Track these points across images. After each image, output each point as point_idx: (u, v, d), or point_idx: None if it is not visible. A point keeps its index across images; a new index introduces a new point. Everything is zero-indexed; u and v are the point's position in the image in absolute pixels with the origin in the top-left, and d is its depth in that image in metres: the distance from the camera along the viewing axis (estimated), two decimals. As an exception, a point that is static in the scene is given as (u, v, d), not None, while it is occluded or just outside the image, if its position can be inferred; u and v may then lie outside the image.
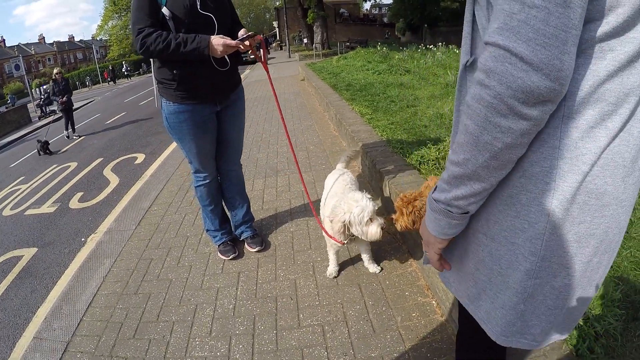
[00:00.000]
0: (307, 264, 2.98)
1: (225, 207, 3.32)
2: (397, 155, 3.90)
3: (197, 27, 2.43)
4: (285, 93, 10.91)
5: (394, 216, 2.12)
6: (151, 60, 2.59)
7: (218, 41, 2.37)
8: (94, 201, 5.87)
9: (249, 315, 2.52)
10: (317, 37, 26.38)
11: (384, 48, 14.73)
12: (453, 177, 0.87)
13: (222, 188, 3.21)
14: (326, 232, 2.60)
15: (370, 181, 4.05)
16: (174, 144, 7.67)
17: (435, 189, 0.96)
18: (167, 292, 2.91)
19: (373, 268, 2.74)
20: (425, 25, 35.03)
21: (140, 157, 7.62)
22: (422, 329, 2.24)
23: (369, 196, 2.38)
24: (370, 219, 2.32)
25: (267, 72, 2.82)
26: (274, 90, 2.89)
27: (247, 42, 2.48)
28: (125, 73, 43.65)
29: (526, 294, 0.92)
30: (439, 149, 3.86)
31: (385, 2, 48.30)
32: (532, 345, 1.00)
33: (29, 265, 4.50)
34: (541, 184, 0.82)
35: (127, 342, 2.53)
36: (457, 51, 14.83)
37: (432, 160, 3.73)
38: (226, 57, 2.56)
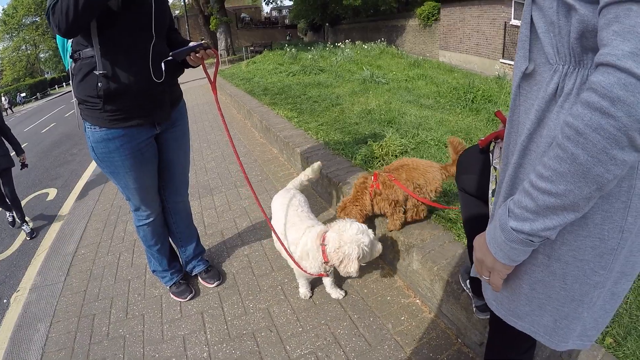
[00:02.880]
0: (274, 288, 2.73)
1: (172, 243, 2.91)
2: (340, 157, 3.80)
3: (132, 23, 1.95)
4: (198, 104, 10.42)
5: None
6: (70, 75, 2.08)
7: None
8: (8, 252, 5.04)
9: (229, 360, 2.23)
10: (222, 44, 25.95)
11: (292, 49, 14.64)
12: (545, 207, 0.80)
13: (168, 222, 2.78)
14: (303, 270, 2.30)
15: (315, 188, 3.89)
16: (88, 172, 7.01)
17: (509, 216, 0.87)
18: (125, 352, 2.45)
19: (336, 293, 2.51)
20: (327, 24, 35.61)
21: (52, 193, 6.81)
22: (416, 330, 2.21)
23: (351, 220, 2.20)
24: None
25: (215, 95, 2.20)
26: (221, 114, 2.32)
27: (198, 54, 2.09)
28: (20, 102, 39.93)
29: (591, 302, 0.94)
30: (380, 145, 3.80)
31: (286, 4, 48.49)
32: (586, 345, 1.03)
33: None
34: (618, 202, 0.81)
35: None
36: (365, 46, 15.17)
37: (377, 158, 3.66)
38: (162, 65, 2.08)
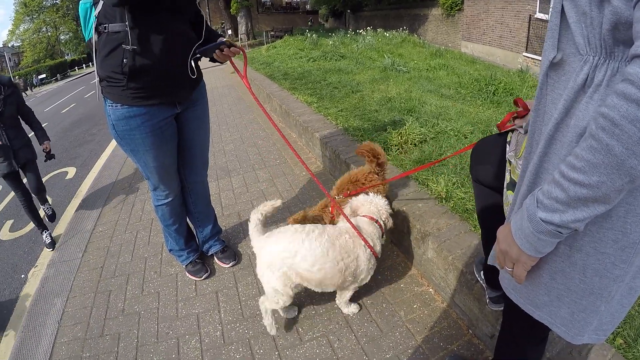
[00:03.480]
0: (289, 270, 2.74)
1: (189, 222, 2.93)
2: (359, 143, 3.77)
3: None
4: (217, 87, 10.46)
5: None
6: (94, 54, 2.10)
7: None
8: (27, 228, 5.21)
9: (242, 340, 2.25)
10: (242, 28, 25.83)
11: (313, 35, 14.55)
12: (576, 198, 0.79)
13: (187, 202, 2.79)
14: (376, 254, 2.14)
15: (332, 172, 3.88)
16: (107, 152, 7.10)
17: (537, 207, 0.86)
18: (139, 328, 2.50)
19: (349, 309, 2.29)
20: (349, 11, 35.28)
21: (71, 172, 6.93)
22: (428, 319, 2.21)
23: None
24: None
25: (249, 88, 2.28)
26: (259, 104, 2.34)
27: (225, 52, 2.11)
28: (37, 84, 40.32)
29: (610, 296, 0.94)
30: (400, 133, 3.77)
31: (308, -11, 48.13)
32: (601, 339, 1.03)
33: None
34: None
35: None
36: (387, 34, 15.01)
37: (395, 146, 3.64)
38: (192, 62, 2.13)
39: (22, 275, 4.13)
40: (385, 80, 6.98)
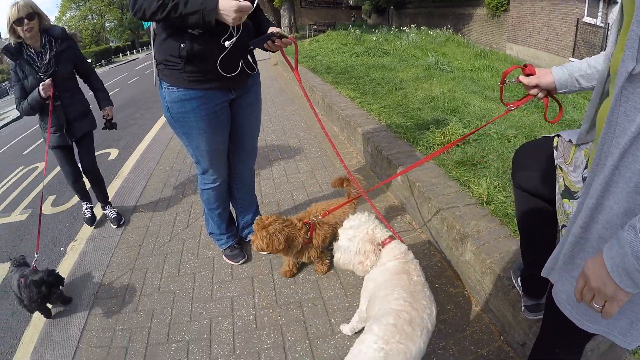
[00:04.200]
0: (325, 261, 2.78)
1: (231, 208, 3.00)
2: (401, 140, 3.78)
3: None
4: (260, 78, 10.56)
5: (251, 237, 2.38)
6: (151, 37, 2.18)
7: (229, 4, 1.81)
8: (69, 204, 5.34)
9: (275, 326, 2.30)
10: (285, 21, 25.92)
11: (356, 30, 14.50)
12: None
13: (232, 188, 2.85)
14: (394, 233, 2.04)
15: (373, 168, 3.89)
16: (149, 137, 7.27)
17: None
18: (173, 306, 2.59)
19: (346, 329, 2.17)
20: (392, 7, 34.90)
21: (114, 153, 7.12)
22: (460, 321, 2.20)
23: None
24: None
25: (299, 80, 2.31)
26: (306, 96, 2.43)
27: (276, 43, 2.10)
28: None
29: None
30: (443, 132, 3.74)
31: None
32: None
33: (4, 284, 4.13)
34: None
35: (137, 371, 2.26)
36: (431, 32, 14.81)
37: (438, 145, 3.61)
38: (232, 29, 2.05)
39: (62, 248, 4.29)
40: (428, 79, 6.90)
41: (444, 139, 3.65)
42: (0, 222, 5.66)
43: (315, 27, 25.48)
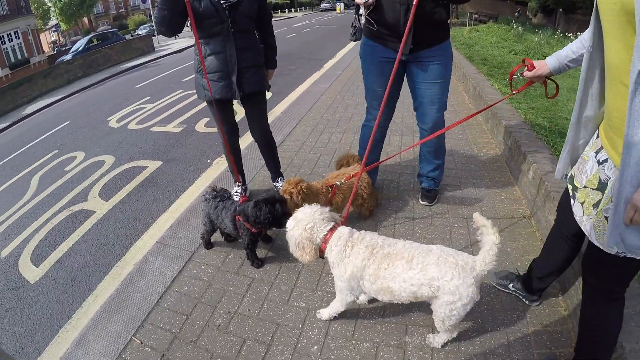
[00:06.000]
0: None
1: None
2: (541, 142, 3.84)
3: None
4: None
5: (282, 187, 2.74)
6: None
7: None
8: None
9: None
10: (445, 3, 25.32)
11: (519, 27, 13.93)
12: None
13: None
14: None
15: (508, 162, 4.06)
16: (301, 89, 7.88)
17: None
18: None
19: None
20: (561, 10, 32.25)
21: (267, 95, 7.90)
22: (546, 317, 2.29)
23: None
24: None
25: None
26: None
27: None
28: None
29: None
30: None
31: (523, -22, 44.76)
32: None
33: (153, 176, 4.97)
34: None
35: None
36: (601, 45, 13.70)
37: (577, 158, 3.65)
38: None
39: (208, 160, 5.05)
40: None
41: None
42: (159, 130, 6.68)
43: (476, 15, 24.63)
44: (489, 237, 1.75)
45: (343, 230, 2.02)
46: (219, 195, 2.86)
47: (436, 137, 2.93)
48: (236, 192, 3.52)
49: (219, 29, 2.79)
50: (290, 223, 2.07)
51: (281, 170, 3.79)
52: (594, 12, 1.40)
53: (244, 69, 2.95)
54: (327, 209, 2.13)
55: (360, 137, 3.34)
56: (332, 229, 2.03)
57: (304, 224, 2.01)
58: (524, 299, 2.35)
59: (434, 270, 1.77)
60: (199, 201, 3.66)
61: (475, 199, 3.44)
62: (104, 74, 18.56)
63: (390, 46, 2.69)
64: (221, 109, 3.11)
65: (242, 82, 2.98)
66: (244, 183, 3.58)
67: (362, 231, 2.05)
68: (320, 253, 2.04)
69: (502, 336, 2.18)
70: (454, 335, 2.10)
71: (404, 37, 2.42)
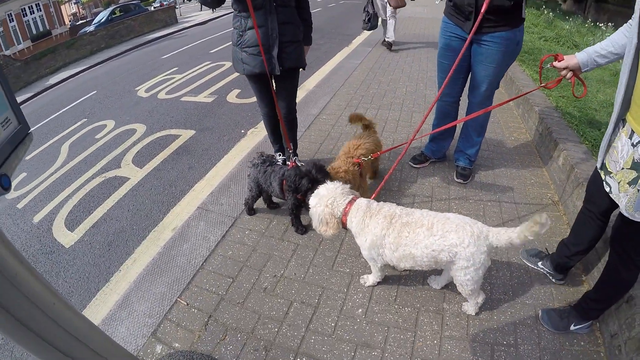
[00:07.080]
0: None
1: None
2: (571, 130, 3.88)
3: None
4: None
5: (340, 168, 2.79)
6: None
7: None
8: (253, 99, 6.03)
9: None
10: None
11: (550, 13, 13.64)
12: None
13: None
14: None
15: (538, 147, 4.10)
16: (332, 63, 7.81)
17: None
18: None
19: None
20: (592, -2, 31.32)
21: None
22: (570, 294, 2.43)
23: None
24: None
25: None
26: None
27: None
28: None
29: None
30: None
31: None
32: None
33: (187, 144, 5.03)
34: None
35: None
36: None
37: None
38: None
39: (242, 130, 5.10)
40: (613, 85, 6.58)
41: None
42: (190, 100, 6.74)
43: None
44: (525, 231, 1.80)
45: (361, 201, 2.14)
46: (267, 160, 2.96)
47: (482, 115, 3.09)
48: (283, 158, 3.62)
49: (262, 2, 2.76)
50: (312, 200, 2.19)
51: (319, 141, 3.99)
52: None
53: (285, 43, 2.93)
54: (348, 185, 2.25)
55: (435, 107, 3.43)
56: (351, 202, 2.14)
57: (325, 200, 2.13)
58: (551, 277, 2.51)
59: (454, 237, 1.91)
60: (239, 169, 3.75)
61: (507, 180, 3.55)
62: (127, 44, 18.68)
63: (457, 23, 2.88)
64: (259, 85, 3.17)
65: (282, 57, 2.95)
66: (295, 150, 3.61)
67: (381, 202, 2.17)
68: (343, 225, 2.17)
69: (530, 309, 2.33)
70: (479, 300, 2.23)
71: (477, 21, 2.57)
